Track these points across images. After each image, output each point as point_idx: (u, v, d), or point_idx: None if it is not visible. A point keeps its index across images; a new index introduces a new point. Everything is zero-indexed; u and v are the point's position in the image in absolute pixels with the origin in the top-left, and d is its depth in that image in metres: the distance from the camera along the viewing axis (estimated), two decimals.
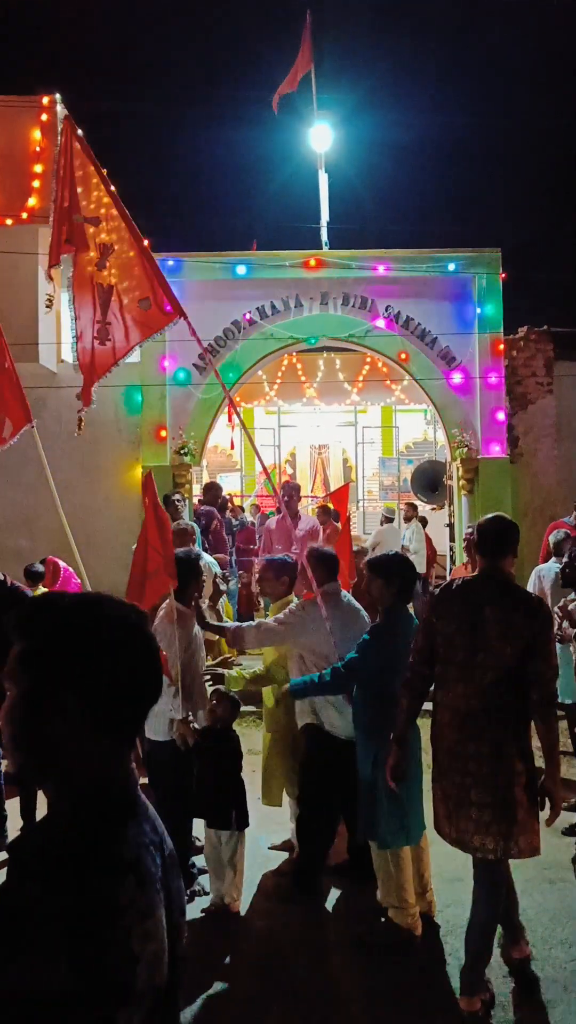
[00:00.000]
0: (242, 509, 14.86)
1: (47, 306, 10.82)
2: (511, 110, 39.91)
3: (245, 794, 5.22)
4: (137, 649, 1.57)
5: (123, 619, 1.58)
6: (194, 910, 5.04)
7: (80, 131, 6.25)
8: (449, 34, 40.44)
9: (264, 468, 7.38)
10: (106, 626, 1.55)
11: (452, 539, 12.01)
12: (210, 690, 5.95)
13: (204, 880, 5.40)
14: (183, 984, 1.65)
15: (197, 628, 5.72)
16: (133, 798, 1.56)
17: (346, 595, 5.68)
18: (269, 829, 6.18)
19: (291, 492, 9.72)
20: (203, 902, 5.22)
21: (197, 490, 12.09)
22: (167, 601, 5.55)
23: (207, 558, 8.53)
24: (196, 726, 5.23)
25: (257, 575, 7.22)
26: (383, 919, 4.83)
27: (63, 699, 1.47)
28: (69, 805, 1.51)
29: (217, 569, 9.00)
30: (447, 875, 5.45)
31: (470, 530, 7.79)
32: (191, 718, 5.23)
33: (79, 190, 6.30)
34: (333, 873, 5.57)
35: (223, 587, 9.14)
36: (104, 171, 6.25)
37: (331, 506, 13.66)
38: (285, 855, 5.93)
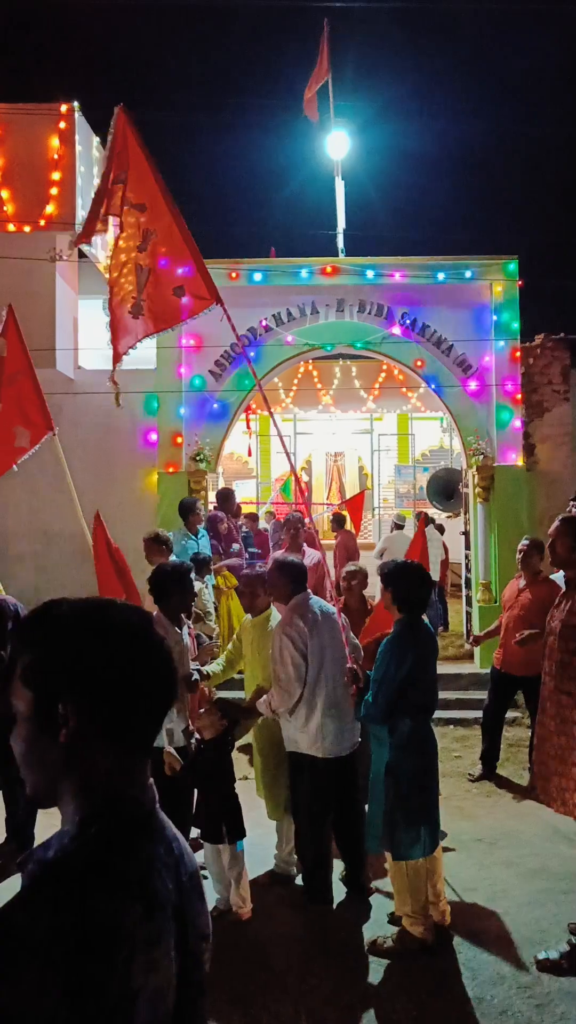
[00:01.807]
0: (257, 517, 14.87)
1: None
2: (528, 116, 39.85)
3: (238, 808, 5.19)
4: (145, 654, 1.50)
5: (128, 623, 1.52)
6: None
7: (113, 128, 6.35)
8: (465, 41, 40.44)
9: (295, 472, 7.37)
10: (111, 631, 1.48)
11: (468, 547, 11.96)
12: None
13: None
14: (205, 1014, 1.56)
15: (186, 641, 5.72)
16: (147, 816, 1.48)
17: (315, 602, 5.54)
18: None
19: (296, 526, 9.37)
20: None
21: (212, 497, 12.10)
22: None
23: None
24: (175, 748, 5.28)
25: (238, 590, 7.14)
26: (397, 928, 4.82)
27: (68, 710, 1.41)
28: (78, 822, 1.42)
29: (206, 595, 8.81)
30: (461, 884, 5.44)
31: (526, 542, 7.74)
32: (169, 746, 5.25)
33: (132, 178, 6.41)
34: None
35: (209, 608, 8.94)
36: (152, 161, 6.33)
37: (346, 514, 13.69)
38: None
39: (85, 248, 11.46)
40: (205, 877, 5.40)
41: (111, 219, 6.54)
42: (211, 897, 5.18)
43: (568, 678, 4.56)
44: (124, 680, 1.45)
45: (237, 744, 5.53)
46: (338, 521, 13.77)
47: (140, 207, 6.40)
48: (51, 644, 1.46)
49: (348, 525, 13.67)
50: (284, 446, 6.98)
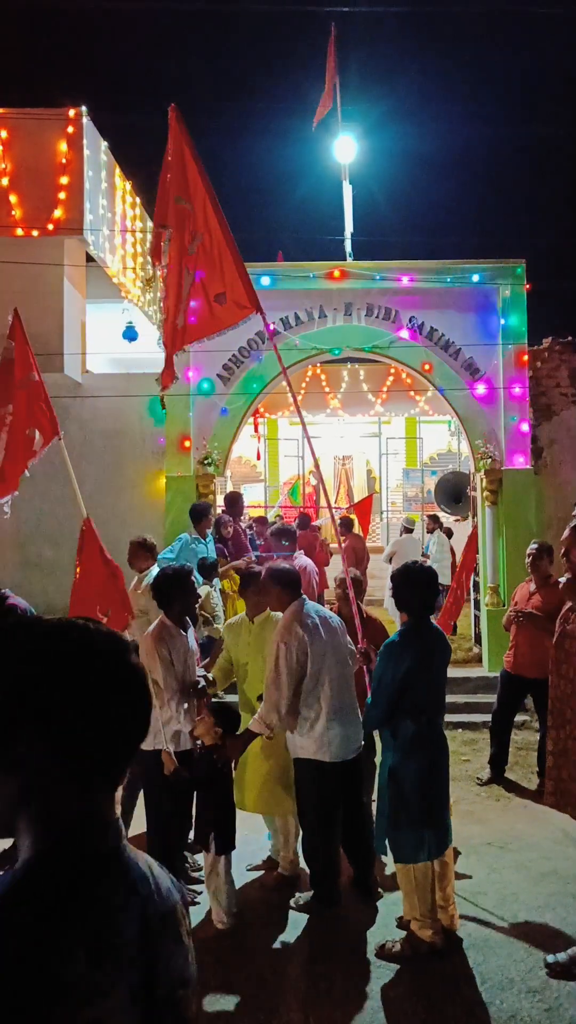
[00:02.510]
0: (266, 520, 14.87)
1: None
2: (535, 120, 39.82)
3: (231, 818, 5.17)
4: (113, 685, 1.38)
5: (96, 650, 1.38)
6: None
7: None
8: (473, 47, 40.46)
9: (320, 478, 7.37)
10: (75, 658, 1.36)
11: (476, 551, 11.96)
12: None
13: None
14: None
15: (192, 645, 5.73)
16: (109, 853, 1.36)
17: (311, 608, 5.48)
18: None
19: (284, 536, 9.22)
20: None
21: (220, 500, 12.11)
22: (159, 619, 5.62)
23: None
24: (181, 751, 5.29)
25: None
26: (406, 932, 4.82)
27: (25, 743, 1.32)
28: (29, 859, 1.31)
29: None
30: (470, 888, 5.43)
31: (535, 546, 7.74)
32: (168, 747, 5.26)
33: (182, 176, 6.50)
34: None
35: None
36: (201, 164, 6.44)
37: (354, 518, 13.68)
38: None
39: (93, 252, 11.53)
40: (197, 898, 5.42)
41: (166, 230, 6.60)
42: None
43: None
44: (87, 714, 1.34)
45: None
46: (346, 525, 13.75)
47: (189, 205, 6.47)
48: (7, 672, 1.35)
49: (356, 528, 13.66)
50: (312, 450, 7.02)
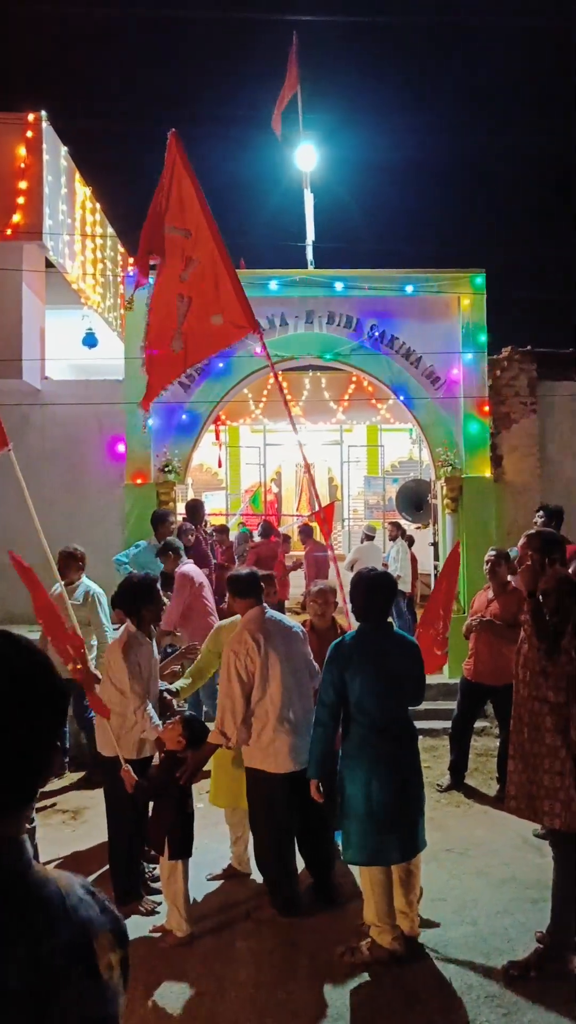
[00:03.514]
0: (227, 529, 14.82)
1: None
2: (496, 131, 40.22)
3: (189, 825, 5.12)
4: (17, 704, 1.28)
5: (16, 664, 1.31)
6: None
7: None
8: (434, 56, 40.81)
9: (313, 483, 7.37)
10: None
11: (436, 558, 12.00)
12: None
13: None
14: None
15: (156, 656, 5.72)
16: (5, 888, 1.25)
17: (270, 615, 5.45)
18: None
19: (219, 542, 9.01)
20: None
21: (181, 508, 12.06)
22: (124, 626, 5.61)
23: None
24: (144, 757, 5.27)
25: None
26: (368, 939, 4.80)
27: None
28: None
29: None
30: (431, 894, 5.42)
31: (493, 553, 7.76)
32: (127, 763, 5.25)
33: (177, 203, 6.49)
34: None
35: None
36: (199, 188, 6.42)
37: (315, 525, 13.67)
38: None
39: (52, 258, 11.45)
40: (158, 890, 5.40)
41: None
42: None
43: (548, 687, 4.57)
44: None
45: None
46: (306, 532, 13.74)
47: (184, 233, 6.47)
48: None
49: (317, 536, 13.65)
50: (304, 459, 7.00)
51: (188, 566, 8.48)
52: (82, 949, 1.27)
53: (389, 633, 5.04)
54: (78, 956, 1.26)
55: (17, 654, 1.33)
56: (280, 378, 7.77)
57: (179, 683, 6.05)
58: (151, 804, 5.27)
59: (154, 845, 5.15)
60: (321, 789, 4.92)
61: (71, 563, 7.87)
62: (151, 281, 6.90)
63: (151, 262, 6.74)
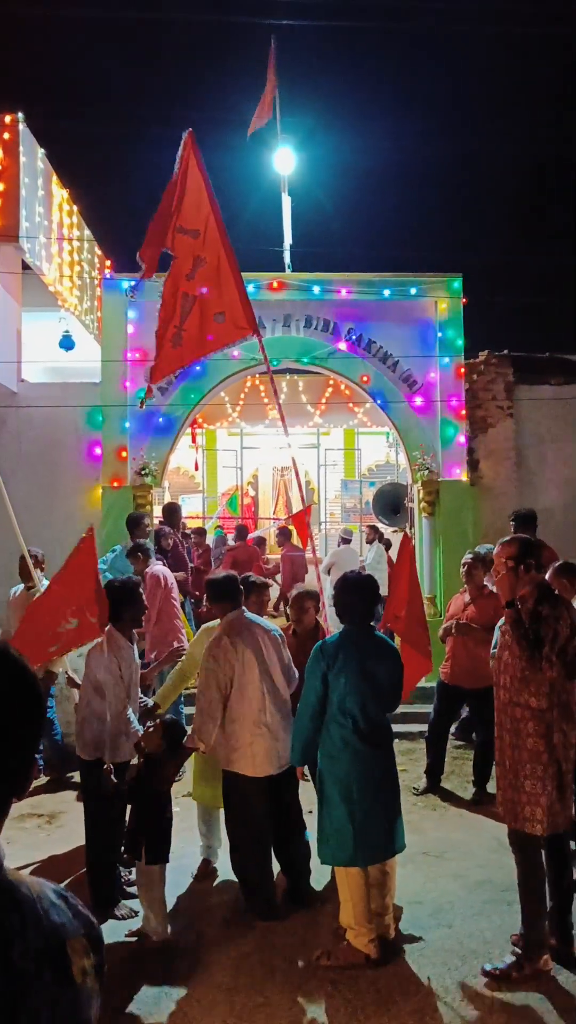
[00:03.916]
0: (204, 532, 14.80)
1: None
2: (472, 135, 40.46)
3: (166, 829, 5.11)
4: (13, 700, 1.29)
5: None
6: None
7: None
8: (412, 61, 40.97)
9: (301, 486, 7.39)
10: None
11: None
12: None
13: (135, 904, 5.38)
14: None
15: (137, 661, 5.72)
16: None
17: (249, 619, 5.47)
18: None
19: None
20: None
21: (158, 511, 12.03)
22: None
23: None
24: (122, 761, 5.25)
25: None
26: (344, 942, 4.80)
27: None
28: None
29: None
30: (407, 897, 5.44)
31: (469, 556, 7.79)
32: (108, 765, 5.23)
33: (190, 203, 6.57)
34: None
35: None
36: (211, 188, 6.49)
37: (291, 528, 13.67)
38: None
39: (29, 260, 11.40)
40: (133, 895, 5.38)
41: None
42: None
43: (530, 693, 4.58)
44: None
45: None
46: (284, 535, 13.74)
47: (193, 233, 6.54)
48: None
49: (295, 539, 13.65)
50: (295, 467, 7.06)
51: (157, 567, 8.44)
52: (54, 954, 1.25)
53: (371, 635, 5.06)
54: (49, 961, 1.24)
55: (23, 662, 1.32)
56: (258, 381, 7.79)
57: (160, 691, 6.04)
58: (128, 808, 5.26)
59: (131, 850, 5.13)
60: (307, 773, 4.94)
61: (34, 565, 7.84)
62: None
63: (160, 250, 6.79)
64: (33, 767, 1.33)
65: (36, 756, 1.36)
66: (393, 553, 13.51)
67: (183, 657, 6.27)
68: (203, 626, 6.38)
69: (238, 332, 6.49)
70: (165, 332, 6.61)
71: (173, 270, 6.61)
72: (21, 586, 7.57)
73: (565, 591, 5.94)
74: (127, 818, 5.27)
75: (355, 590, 5.03)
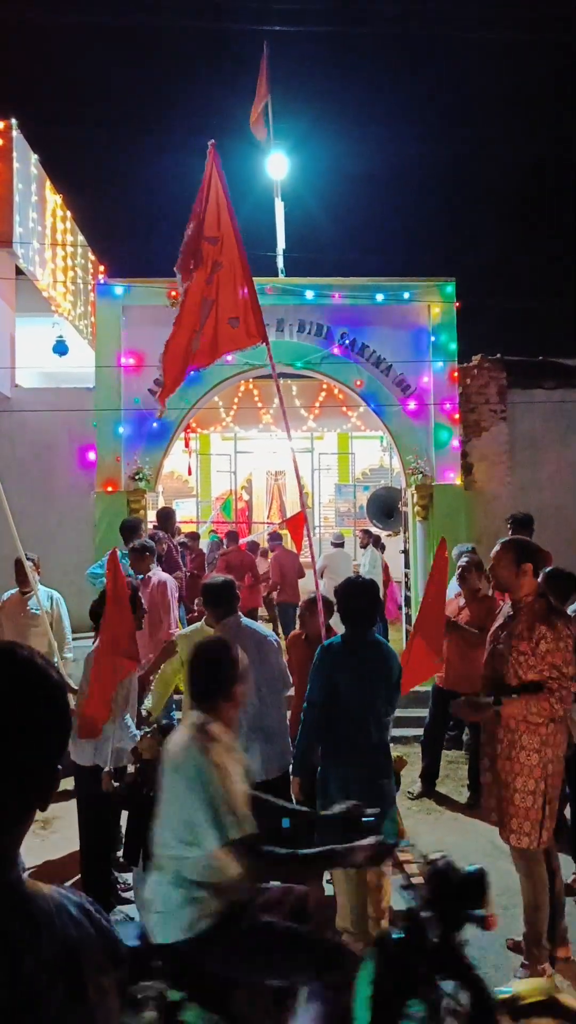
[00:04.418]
0: (197, 536, 14.78)
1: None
2: (465, 139, 40.56)
3: None
4: (25, 721, 1.30)
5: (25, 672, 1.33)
6: None
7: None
8: (404, 65, 41.07)
9: (301, 492, 7.39)
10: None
11: (407, 565, 12.03)
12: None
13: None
14: None
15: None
16: None
17: (244, 624, 5.47)
18: None
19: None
20: None
21: (152, 516, 12.03)
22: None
23: None
24: (120, 767, 5.23)
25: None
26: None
27: None
28: None
29: None
30: (403, 902, 5.42)
31: (465, 560, 7.78)
32: (109, 767, 5.22)
33: (212, 212, 6.68)
34: None
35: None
36: (229, 197, 6.65)
37: (286, 532, 13.68)
38: None
39: (23, 266, 11.41)
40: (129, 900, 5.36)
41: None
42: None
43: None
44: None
45: None
46: (275, 538, 13.76)
47: (213, 240, 6.65)
48: None
49: (289, 543, 13.66)
50: (296, 468, 7.14)
51: (162, 574, 8.39)
52: (69, 969, 1.23)
53: (373, 637, 5.08)
54: (64, 975, 1.22)
55: (27, 673, 1.33)
56: (252, 385, 7.82)
57: (147, 701, 6.01)
58: (125, 815, 5.25)
59: (129, 856, 5.12)
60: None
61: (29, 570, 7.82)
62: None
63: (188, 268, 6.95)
64: (57, 776, 1.35)
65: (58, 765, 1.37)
66: (387, 557, 13.56)
67: (163, 666, 6.20)
68: (179, 633, 6.33)
69: (248, 339, 6.65)
70: (183, 339, 6.74)
71: (196, 277, 6.74)
72: (14, 591, 7.55)
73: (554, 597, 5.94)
74: (122, 823, 5.26)
75: (360, 594, 5.05)
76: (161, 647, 6.60)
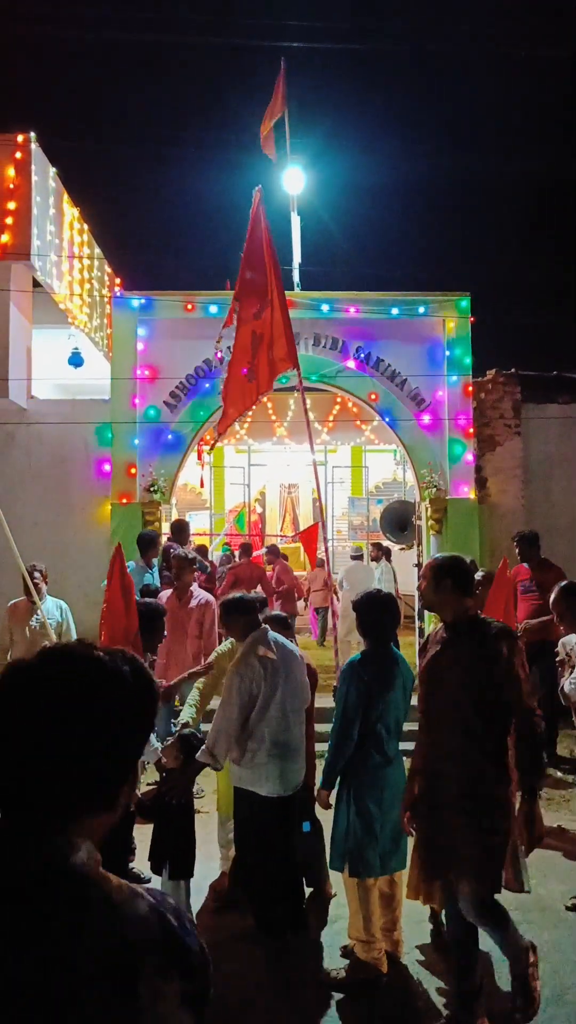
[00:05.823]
0: (206, 549, 14.79)
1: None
2: (482, 155, 40.65)
3: (189, 846, 5.11)
4: (124, 714, 1.35)
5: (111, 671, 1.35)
6: None
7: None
8: (421, 81, 41.22)
9: (321, 503, 7.43)
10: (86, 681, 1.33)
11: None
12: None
13: None
14: None
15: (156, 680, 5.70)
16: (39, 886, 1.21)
17: (272, 638, 5.40)
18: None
19: (182, 564, 8.50)
20: None
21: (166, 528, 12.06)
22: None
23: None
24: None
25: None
26: (350, 959, 4.80)
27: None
28: None
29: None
30: (413, 916, 5.42)
31: (479, 576, 7.73)
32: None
33: (256, 250, 7.20)
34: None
35: None
36: (270, 235, 7.14)
37: (298, 545, 13.70)
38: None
39: (40, 278, 11.49)
40: None
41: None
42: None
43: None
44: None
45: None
46: (273, 552, 13.78)
47: (258, 276, 7.16)
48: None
49: (302, 555, 13.68)
50: (316, 479, 7.30)
51: (205, 593, 8.45)
52: (120, 965, 1.20)
53: (392, 653, 5.08)
54: (113, 971, 1.19)
55: (133, 673, 1.38)
56: (266, 399, 7.90)
57: (184, 714, 5.97)
58: (154, 825, 5.25)
59: (154, 865, 5.13)
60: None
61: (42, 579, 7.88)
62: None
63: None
64: (136, 774, 1.36)
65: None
66: (399, 571, 13.56)
67: (203, 678, 6.14)
68: (219, 650, 6.30)
69: (282, 365, 6.96)
70: (238, 371, 7.09)
71: (242, 313, 7.09)
72: (23, 597, 7.63)
73: (569, 613, 5.92)
74: (153, 833, 5.26)
75: (383, 608, 5.06)
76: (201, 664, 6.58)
